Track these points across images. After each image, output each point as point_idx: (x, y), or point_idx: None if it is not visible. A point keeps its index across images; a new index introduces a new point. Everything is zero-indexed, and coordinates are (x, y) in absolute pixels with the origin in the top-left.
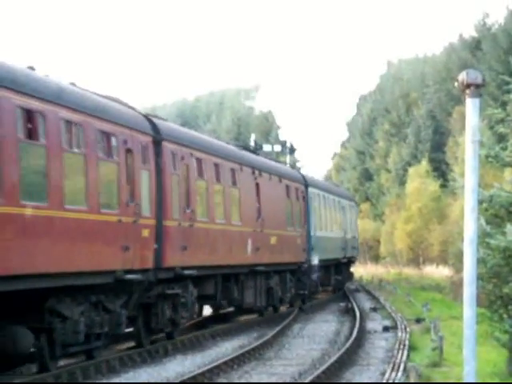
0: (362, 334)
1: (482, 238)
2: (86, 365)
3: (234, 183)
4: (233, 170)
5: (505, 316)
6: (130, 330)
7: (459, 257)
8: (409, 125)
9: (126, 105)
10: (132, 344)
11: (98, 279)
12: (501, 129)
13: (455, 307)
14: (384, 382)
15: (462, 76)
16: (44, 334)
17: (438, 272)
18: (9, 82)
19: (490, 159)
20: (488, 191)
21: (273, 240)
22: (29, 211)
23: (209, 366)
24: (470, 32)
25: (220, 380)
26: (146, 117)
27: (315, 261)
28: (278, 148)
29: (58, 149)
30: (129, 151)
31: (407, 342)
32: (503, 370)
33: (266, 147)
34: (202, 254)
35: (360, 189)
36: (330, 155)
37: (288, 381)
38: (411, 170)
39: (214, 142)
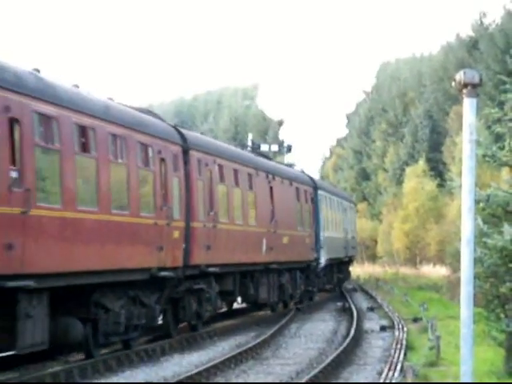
0: (359, 333)
1: (479, 237)
2: (83, 364)
3: (251, 187)
4: (249, 175)
5: (502, 315)
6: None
7: (456, 256)
8: (406, 124)
9: (157, 117)
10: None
11: (136, 276)
12: (498, 128)
13: (452, 307)
14: (381, 382)
15: (459, 75)
16: (90, 324)
17: (435, 271)
18: (67, 102)
19: (487, 159)
20: (485, 191)
21: (285, 240)
22: (84, 216)
23: (206, 366)
24: (467, 31)
25: (217, 379)
26: (175, 128)
27: (323, 260)
28: (274, 148)
29: (105, 160)
30: (162, 160)
31: (404, 342)
32: (500, 369)
33: (264, 147)
34: (224, 253)
35: (357, 188)
36: (325, 153)
37: (285, 380)
38: (408, 170)
39: (233, 149)
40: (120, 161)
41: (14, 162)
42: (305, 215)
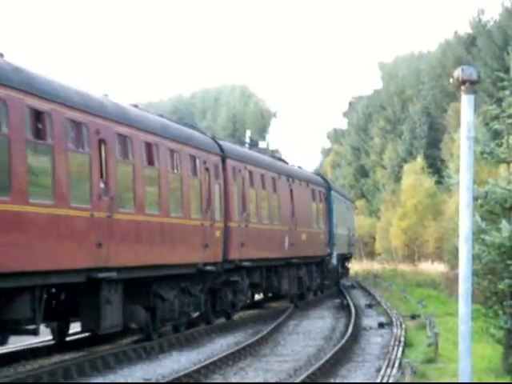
0: (358, 330)
1: (477, 234)
2: (81, 361)
3: (275, 190)
4: (273, 179)
5: (500, 312)
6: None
7: (454, 253)
8: (404, 121)
9: (200, 131)
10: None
11: (186, 270)
12: (496, 125)
13: (450, 303)
14: (379, 379)
15: (457, 72)
16: (149, 311)
17: (434, 268)
18: (137, 123)
19: (485, 155)
20: (483, 188)
21: (303, 236)
22: (150, 219)
23: (204, 363)
24: (465, 29)
25: (215, 377)
26: (214, 140)
27: (335, 255)
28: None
29: (166, 171)
30: (207, 169)
31: (402, 339)
32: (498, 366)
33: (262, 144)
34: (254, 249)
35: (355, 185)
36: (319, 150)
37: (283, 377)
38: (406, 167)
39: (260, 156)
40: (175, 171)
41: (101, 175)
42: (319, 214)
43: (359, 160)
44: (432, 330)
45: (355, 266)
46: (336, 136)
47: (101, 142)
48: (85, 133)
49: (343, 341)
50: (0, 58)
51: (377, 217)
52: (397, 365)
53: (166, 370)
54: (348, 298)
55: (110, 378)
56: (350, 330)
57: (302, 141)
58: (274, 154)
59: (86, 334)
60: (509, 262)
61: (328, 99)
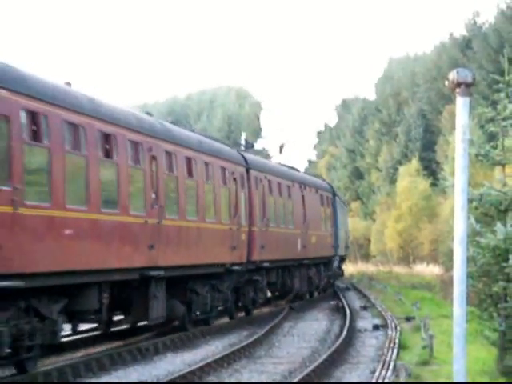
0: (353, 332)
1: (472, 236)
2: (75, 362)
3: (289, 196)
4: (288, 187)
5: (494, 314)
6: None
7: (449, 255)
8: (399, 124)
9: (226, 144)
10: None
11: (217, 269)
12: (491, 128)
13: (445, 306)
14: (374, 381)
15: (453, 75)
16: (185, 305)
17: (428, 270)
18: (179, 141)
19: (480, 158)
20: (478, 190)
21: (313, 239)
22: (190, 224)
23: (199, 365)
24: (460, 31)
25: (210, 378)
26: (239, 152)
27: (339, 256)
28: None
29: (202, 182)
30: (234, 179)
31: (397, 341)
32: (493, 368)
33: (258, 145)
34: (273, 251)
35: (351, 187)
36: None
37: (278, 379)
38: (402, 169)
39: (277, 166)
40: (209, 182)
41: (152, 187)
42: (326, 218)
43: (354, 162)
44: (427, 332)
45: (350, 268)
46: (329, 134)
47: (152, 158)
48: (140, 151)
49: (338, 343)
50: (78, 91)
51: (372, 219)
52: (391, 367)
53: (161, 372)
54: (343, 300)
55: (105, 379)
56: (344, 332)
57: (294, 136)
58: (286, 165)
59: (82, 336)
60: (503, 264)
61: (321, 99)
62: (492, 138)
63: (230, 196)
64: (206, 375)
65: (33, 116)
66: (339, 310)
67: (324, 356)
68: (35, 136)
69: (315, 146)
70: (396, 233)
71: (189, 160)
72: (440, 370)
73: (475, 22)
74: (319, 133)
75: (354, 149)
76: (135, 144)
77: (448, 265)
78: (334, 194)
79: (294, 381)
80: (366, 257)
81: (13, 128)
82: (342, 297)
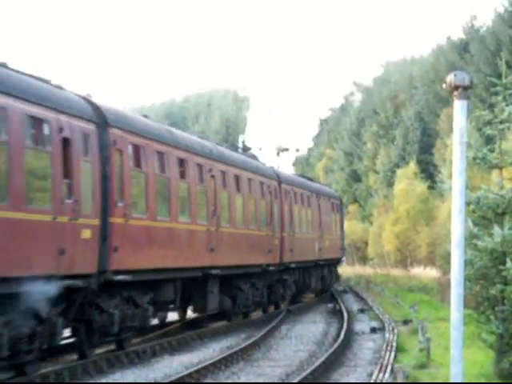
0: (350, 335)
1: (470, 239)
2: (73, 365)
3: (309, 205)
4: (308, 197)
5: (492, 317)
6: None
7: (447, 258)
8: (397, 126)
9: (260, 161)
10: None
11: (255, 269)
12: (488, 131)
13: (442, 309)
14: (371, 382)
15: (450, 78)
16: (230, 299)
17: (426, 273)
18: (230, 160)
19: (477, 161)
20: (475, 193)
21: (327, 242)
22: (238, 231)
23: (196, 367)
24: (457, 34)
25: (207, 381)
26: (273, 168)
27: (345, 257)
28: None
29: (249, 195)
30: (270, 192)
31: (394, 344)
32: (490, 371)
33: (256, 149)
34: (298, 254)
35: (348, 190)
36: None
37: (276, 381)
38: (399, 172)
39: (301, 179)
40: (252, 195)
41: (212, 201)
42: (336, 223)
43: (352, 165)
44: (424, 335)
45: (347, 271)
46: (326, 137)
47: (211, 177)
48: (204, 172)
49: (335, 345)
50: (162, 126)
51: (369, 222)
52: (389, 370)
53: (158, 374)
54: (340, 302)
55: (102, 382)
56: (342, 335)
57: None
58: (304, 174)
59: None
60: (501, 267)
61: (318, 101)
62: (489, 140)
63: (266, 207)
64: (203, 378)
65: (135, 148)
66: (336, 313)
67: (321, 359)
68: (137, 163)
69: (310, 150)
70: (393, 235)
71: (237, 177)
72: (437, 373)
73: (473, 25)
74: (316, 135)
75: (352, 151)
76: (200, 166)
77: (445, 268)
78: (341, 201)
79: (292, 382)
80: (364, 259)
81: (124, 159)
82: (339, 299)
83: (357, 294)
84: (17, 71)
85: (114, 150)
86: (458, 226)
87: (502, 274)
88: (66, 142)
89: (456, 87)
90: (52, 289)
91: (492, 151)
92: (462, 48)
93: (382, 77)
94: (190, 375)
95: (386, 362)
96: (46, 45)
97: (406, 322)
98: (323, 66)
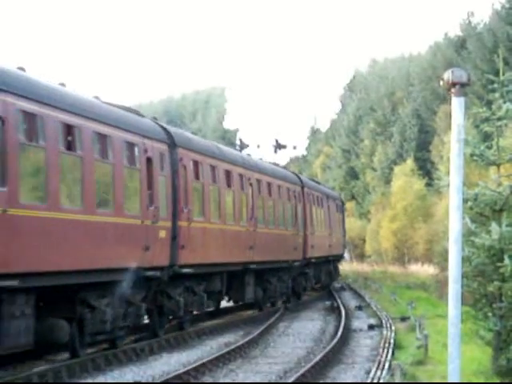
0: (348, 332)
1: (467, 236)
2: (70, 363)
3: (322, 206)
4: (321, 199)
5: (489, 314)
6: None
7: (444, 255)
8: (394, 123)
9: (287, 169)
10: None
11: (284, 265)
12: (486, 128)
13: (440, 305)
14: (369, 382)
15: (447, 75)
16: (262, 290)
17: (423, 270)
18: (269, 171)
19: (475, 158)
20: (473, 190)
21: (334, 239)
22: (272, 231)
23: (194, 365)
24: (455, 31)
25: (205, 378)
26: (296, 174)
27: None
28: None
29: (278, 200)
30: (295, 196)
31: (392, 341)
32: (487, 368)
33: (253, 146)
34: (317, 250)
35: (345, 187)
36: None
37: (273, 379)
38: (396, 169)
39: (316, 184)
40: (281, 199)
41: (250, 205)
42: (340, 222)
43: (349, 162)
44: (422, 332)
45: (345, 268)
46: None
47: (250, 185)
48: (244, 181)
49: (333, 342)
50: (212, 143)
51: (367, 219)
52: (386, 367)
53: (156, 372)
54: (338, 299)
55: (100, 379)
56: (339, 332)
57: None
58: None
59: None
60: (498, 264)
61: (314, 98)
62: (487, 137)
63: (292, 209)
64: (201, 375)
65: (195, 163)
66: (334, 310)
67: (319, 356)
68: (196, 175)
69: (307, 148)
70: (391, 233)
71: (269, 184)
72: (435, 370)
73: (470, 22)
74: (313, 132)
75: (349, 149)
76: (241, 176)
77: (443, 264)
78: (343, 202)
79: (289, 381)
80: (361, 256)
81: (187, 172)
82: (336, 297)
83: (354, 291)
84: (116, 105)
85: (181, 165)
86: (455, 223)
87: (500, 271)
88: (148, 161)
89: (453, 84)
90: (139, 278)
91: (489, 148)
92: (460, 45)
93: (380, 73)
94: (187, 373)
95: (383, 359)
96: (44, 42)
97: (403, 319)
98: (319, 63)
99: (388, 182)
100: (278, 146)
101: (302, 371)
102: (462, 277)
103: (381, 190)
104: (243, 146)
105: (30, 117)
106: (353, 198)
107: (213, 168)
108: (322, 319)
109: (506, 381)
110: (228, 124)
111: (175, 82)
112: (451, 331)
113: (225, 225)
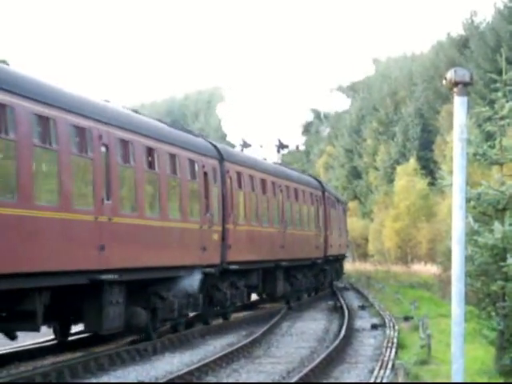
0: (351, 332)
1: (470, 235)
2: (74, 363)
3: (336, 209)
4: (335, 202)
5: (493, 314)
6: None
7: (447, 255)
8: (397, 123)
9: (312, 176)
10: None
11: (307, 262)
12: (488, 127)
13: (443, 305)
14: (372, 381)
15: (450, 74)
16: (289, 285)
17: (426, 270)
18: (300, 180)
19: (477, 157)
20: (476, 189)
21: (342, 240)
22: (299, 233)
23: (197, 365)
24: (457, 30)
25: (209, 379)
26: (318, 179)
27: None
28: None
29: (303, 204)
30: (317, 200)
31: (395, 340)
32: (491, 367)
33: (256, 146)
34: (333, 249)
35: (348, 187)
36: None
37: (277, 379)
38: (399, 168)
39: (332, 189)
40: (306, 204)
41: (282, 210)
42: (345, 223)
43: (352, 162)
44: (425, 332)
45: (348, 268)
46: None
47: (280, 191)
48: (276, 188)
49: (336, 342)
50: (249, 155)
51: (370, 218)
52: (390, 366)
53: (159, 372)
54: (341, 299)
55: (104, 379)
56: (343, 332)
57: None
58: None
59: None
60: (501, 263)
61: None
62: (490, 137)
63: (315, 212)
64: (204, 375)
65: (238, 174)
66: (337, 310)
67: (322, 356)
68: (239, 185)
69: (310, 146)
70: (394, 232)
71: (295, 190)
72: (438, 370)
73: (472, 22)
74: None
75: (352, 148)
76: (273, 184)
77: (446, 264)
78: (346, 204)
79: (293, 381)
80: (364, 256)
81: (233, 183)
82: (340, 296)
83: (357, 291)
84: (183, 129)
85: (227, 177)
86: (458, 223)
87: (503, 271)
88: (205, 175)
89: (456, 83)
90: (198, 274)
91: (492, 147)
92: (462, 44)
93: (382, 73)
94: (191, 373)
95: (386, 358)
96: (47, 41)
97: (406, 319)
98: (319, 63)
99: (391, 181)
100: (281, 146)
101: (305, 371)
102: (465, 276)
103: (383, 189)
104: (246, 146)
105: (124, 144)
106: (355, 197)
107: (251, 178)
108: (325, 319)
109: (510, 380)
110: (226, 125)
111: (178, 82)
112: (454, 330)
113: (261, 227)
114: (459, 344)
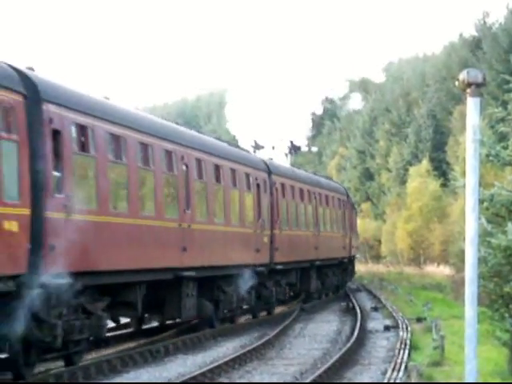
0: (363, 333)
1: (483, 237)
2: (87, 364)
3: (352, 212)
4: (353, 205)
5: (506, 315)
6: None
7: (460, 256)
8: (409, 124)
9: (336, 182)
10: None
11: (334, 261)
12: (501, 128)
13: (456, 306)
14: (385, 381)
15: (463, 75)
16: (321, 283)
17: (439, 271)
18: (327, 187)
19: (490, 158)
20: (489, 190)
21: (354, 242)
22: (328, 234)
23: (210, 366)
24: (470, 31)
25: (221, 380)
26: (343, 187)
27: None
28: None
29: (334, 211)
30: (343, 204)
31: (408, 342)
32: (504, 368)
33: (268, 148)
34: (354, 249)
35: (361, 188)
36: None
37: (289, 380)
38: (412, 170)
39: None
40: (335, 209)
41: (316, 217)
42: (355, 224)
43: (364, 163)
44: (438, 333)
45: (361, 269)
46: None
47: (315, 198)
48: (311, 195)
49: (349, 344)
50: (291, 167)
51: (382, 220)
52: (403, 368)
53: (172, 374)
54: (354, 300)
55: (116, 381)
56: (355, 333)
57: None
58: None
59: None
60: None
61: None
62: (503, 138)
63: (342, 215)
64: (216, 377)
65: (282, 185)
66: (350, 311)
67: (335, 357)
68: (283, 194)
69: (322, 148)
70: (406, 233)
71: (326, 197)
72: (451, 371)
73: (485, 22)
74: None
75: (364, 150)
76: (309, 192)
77: (459, 265)
78: (354, 205)
79: (306, 381)
80: (377, 257)
81: (278, 193)
82: (352, 298)
83: (370, 292)
84: (237, 146)
85: (274, 188)
86: (471, 224)
87: None
88: (258, 186)
89: (469, 84)
90: (253, 272)
91: (505, 148)
92: (475, 45)
93: (395, 74)
94: (203, 374)
95: (399, 360)
96: (59, 42)
97: (419, 320)
98: (329, 64)
99: (403, 182)
100: (294, 148)
101: (318, 372)
102: (479, 277)
103: (396, 190)
104: (258, 147)
105: (199, 162)
106: (368, 199)
107: (292, 188)
108: (337, 320)
109: None
110: (233, 126)
111: (190, 84)
112: (468, 332)
113: (300, 231)
114: (472, 345)
